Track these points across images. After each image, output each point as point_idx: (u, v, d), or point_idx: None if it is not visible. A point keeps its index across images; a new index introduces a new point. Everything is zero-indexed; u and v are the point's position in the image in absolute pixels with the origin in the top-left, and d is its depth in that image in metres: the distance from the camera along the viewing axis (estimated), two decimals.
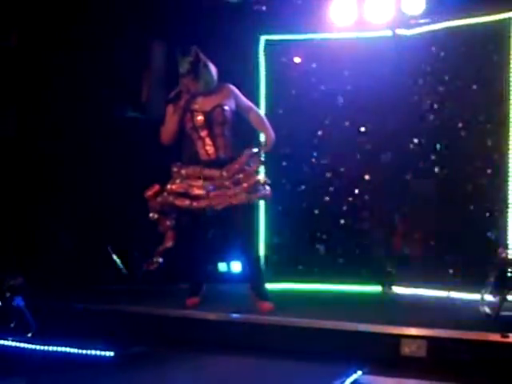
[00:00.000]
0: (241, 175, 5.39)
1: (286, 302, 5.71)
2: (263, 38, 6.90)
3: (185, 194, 5.39)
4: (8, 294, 5.37)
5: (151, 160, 6.50)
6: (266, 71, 6.92)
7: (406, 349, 4.65)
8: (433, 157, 6.38)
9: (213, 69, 5.47)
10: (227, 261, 6.92)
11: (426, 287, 6.23)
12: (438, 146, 6.36)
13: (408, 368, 4.52)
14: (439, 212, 6.32)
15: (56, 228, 6.89)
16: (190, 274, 5.74)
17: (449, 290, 6.09)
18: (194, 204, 5.35)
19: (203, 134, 5.42)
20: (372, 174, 6.66)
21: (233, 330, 5.14)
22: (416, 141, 6.46)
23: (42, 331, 5.20)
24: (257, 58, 6.91)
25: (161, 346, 5.03)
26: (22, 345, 4.98)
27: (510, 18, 6.03)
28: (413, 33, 6.50)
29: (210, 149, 5.43)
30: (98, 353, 4.76)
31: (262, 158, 5.53)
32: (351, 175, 6.72)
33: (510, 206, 5.89)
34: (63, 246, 6.82)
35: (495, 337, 4.49)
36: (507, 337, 4.44)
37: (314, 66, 6.85)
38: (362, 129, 6.69)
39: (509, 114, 5.98)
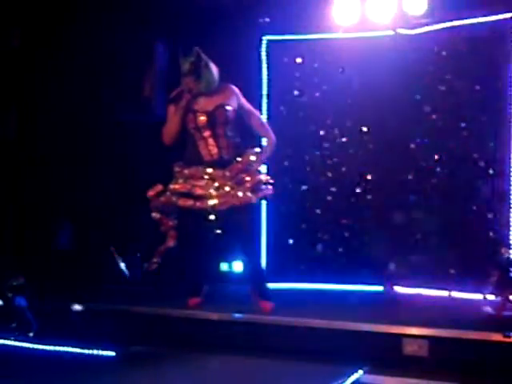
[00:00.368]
0: (243, 175, 5.40)
1: (287, 301, 5.71)
2: (265, 39, 6.90)
3: (188, 194, 5.39)
4: (10, 294, 5.38)
5: (153, 160, 6.50)
6: (267, 71, 6.91)
7: (408, 348, 4.65)
8: (435, 156, 6.37)
9: (214, 69, 5.47)
10: (229, 261, 6.92)
11: (428, 287, 6.22)
12: (439, 146, 6.35)
13: (410, 367, 4.52)
14: (441, 211, 6.31)
15: (57, 228, 6.89)
16: (191, 274, 5.73)
17: (450, 289, 6.08)
18: (198, 204, 5.35)
19: (206, 134, 5.42)
20: (374, 174, 6.65)
21: (234, 330, 5.14)
22: (418, 140, 6.45)
23: (43, 331, 5.21)
24: (259, 58, 6.90)
25: (162, 345, 5.03)
26: (24, 344, 4.99)
27: (511, 18, 6.02)
28: (415, 32, 6.48)
29: (213, 149, 5.42)
30: (100, 353, 4.77)
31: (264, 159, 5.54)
32: (353, 175, 6.72)
33: (511, 205, 5.88)
34: (64, 246, 6.83)
35: (497, 337, 4.48)
36: (509, 337, 4.43)
37: (315, 65, 6.84)
38: (364, 128, 6.68)
39: (510, 113, 5.96)
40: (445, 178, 6.32)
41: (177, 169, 5.49)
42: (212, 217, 5.46)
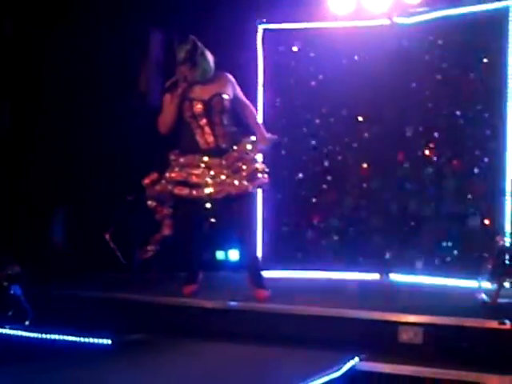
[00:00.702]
0: (240, 163, 5.39)
1: (283, 289, 5.71)
2: (261, 27, 6.88)
3: (184, 183, 5.38)
4: (5, 283, 5.37)
5: (148, 148, 6.50)
6: (263, 60, 6.90)
7: (404, 336, 4.66)
8: (431, 145, 6.38)
9: (210, 57, 5.45)
10: (225, 249, 6.93)
11: (424, 275, 6.24)
12: (435, 134, 6.36)
13: (405, 355, 4.53)
14: (437, 200, 6.32)
15: (52, 216, 6.89)
16: (187, 262, 5.73)
17: (446, 277, 6.09)
18: (194, 192, 5.35)
19: (202, 122, 5.41)
20: (369, 163, 6.66)
21: (230, 318, 5.14)
22: (414, 129, 6.45)
23: (40, 319, 5.20)
24: (255, 46, 6.88)
25: (158, 333, 5.03)
26: (20, 333, 4.99)
27: (508, 6, 6.01)
28: (411, 21, 6.48)
29: (210, 137, 5.41)
30: (96, 341, 4.77)
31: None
32: (349, 163, 6.72)
33: (507, 194, 5.88)
34: (60, 234, 6.82)
35: (492, 324, 4.49)
36: (504, 324, 4.44)
37: (312, 54, 6.84)
38: (360, 117, 6.68)
39: (506, 102, 5.97)
40: (440, 166, 6.33)
41: (172, 157, 5.48)
42: (208, 205, 5.46)
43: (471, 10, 6.18)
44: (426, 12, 6.39)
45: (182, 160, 5.42)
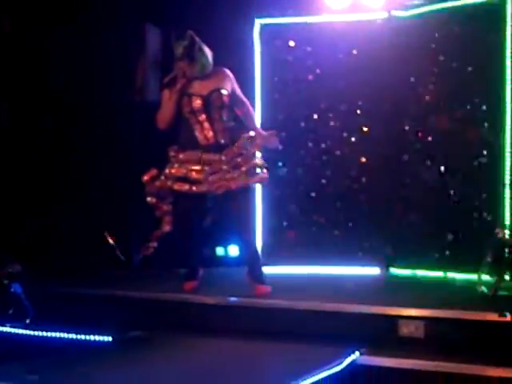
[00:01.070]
0: (239, 159, 5.39)
1: (283, 285, 5.71)
2: (258, 22, 6.86)
3: (184, 179, 5.38)
4: (6, 281, 5.37)
5: (147, 145, 6.49)
6: (260, 55, 6.88)
7: (404, 329, 4.67)
8: (429, 138, 6.37)
9: (208, 53, 5.45)
10: (225, 245, 6.93)
11: (424, 268, 6.24)
12: (434, 128, 6.34)
13: (406, 348, 4.54)
14: (436, 193, 6.31)
15: (52, 214, 6.89)
16: (187, 258, 5.73)
17: (446, 270, 6.09)
18: (194, 188, 5.35)
19: (201, 118, 5.41)
20: (368, 157, 6.65)
21: (230, 314, 5.15)
22: (412, 122, 6.44)
23: (40, 317, 5.20)
24: (252, 42, 6.87)
25: (159, 330, 5.03)
26: (20, 331, 4.99)
27: None
28: (408, 14, 6.47)
29: (209, 133, 5.41)
30: (96, 338, 4.77)
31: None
32: (348, 158, 6.71)
33: (506, 186, 5.88)
34: (60, 231, 6.82)
35: (492, 316, 4.50)
36: (505, 316, 4.45)
37: (309, 49, 6.81)
38: (358, 111, 6.67)
39: (504, 95, 5.95)
40: (439, 159, 6.32)
41: (172, 153, 5.48)
42: (208, 201, 5.46)
43: (468, 2, 6.15)
44: (424, 5, 6.37)
45: (181, 156, 5.42)
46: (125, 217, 6.60)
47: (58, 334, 4.85)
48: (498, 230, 5.41)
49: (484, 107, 6.11)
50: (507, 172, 5.89)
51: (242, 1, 6.80)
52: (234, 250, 6.89)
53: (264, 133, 5.55)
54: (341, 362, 4.23)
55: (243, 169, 5.38)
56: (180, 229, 5.52)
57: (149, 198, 5.48)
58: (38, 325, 5.01)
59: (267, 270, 5.78)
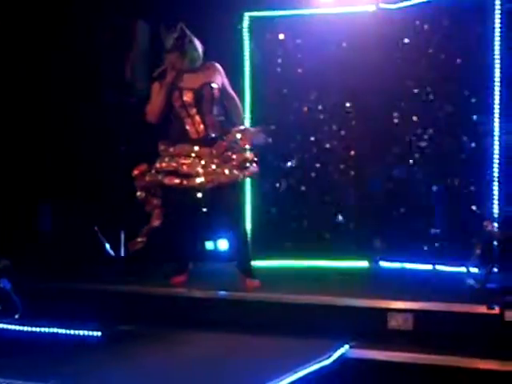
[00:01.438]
0: (230, 153, 5.39)
1: (272, 278, 5.72)
2: (247, 15, 6.85)
3: (174, 173, 5.36)
4: None
5: (136, 139, 6.47)
6: (250, 48, 6.86)
7: (393, 322, 4.68)
8: (418, 131, 6.37)
9: (199, 45, 5.44)
10: (214, 239, 6.92)
11: (412, 261, 6.25)
12: (422, 120, 6.35)
13: (395, 341, 4.55)
14: (425, 185, 6.32)
15: (41, 209, 6.87)
16: (177, 253, 5.72)
17: (435, 263, 6.11)
18: (184, 182, 5.34)
19: (192, 111, 5.39)
20: (357, 150, 6.65)
21: (220, 308, 5.15)
22: (401, 115, 6.45)
23: (29, 313, 5.19)
24: (241, 34, 6.85)
25: (148, 324, 5.03)
26: (9, 327, 4.98)
27: None
28: (396, 6, 6.46)
29: (200, 127, 5.40)
30: (86, 333, 4.76)
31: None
32: (337, 151, 6.71)
33: (494, 179, 5.89)
34: (46, 227, 6.81)
35: (481, 309, 4.52)
36: (493, 308, 4.47)
37: (298, 42, 6.80)
38: (348, 104, 6.67)
39: (493, 87, 5.96)
40: (428, 152, 6.32)
41: (162, 147, 5.46)
42: (199, 195, 5.45)
43: None
44: None
45: (171, 150, 5.41)
46: (114, 212, 6.58)
47: (47, 330, 4.85)
48: (486, 223, 5.41)
49: (473, 100, 6.11)
50: (495, 165, 5.90)
51: None
52: (223, 244, 6.88)
53: (252, 129, 5.55)
54: (330, 356, 4.23)
55: (234, 163, 5.38)
56: (171, 223, 5.51)
57: (139, 193, 5.47)
58: (28, 320, 5.00)
59: (256, 263, 5.79)
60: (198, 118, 5.40)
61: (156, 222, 5.56)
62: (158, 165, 5.40)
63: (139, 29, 6.98)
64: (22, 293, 5.33)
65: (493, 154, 5.92)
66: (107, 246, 6.35)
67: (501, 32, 5.92)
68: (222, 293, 5.26)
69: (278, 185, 6.78)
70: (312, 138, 6.78)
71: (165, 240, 5.71)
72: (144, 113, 5.47)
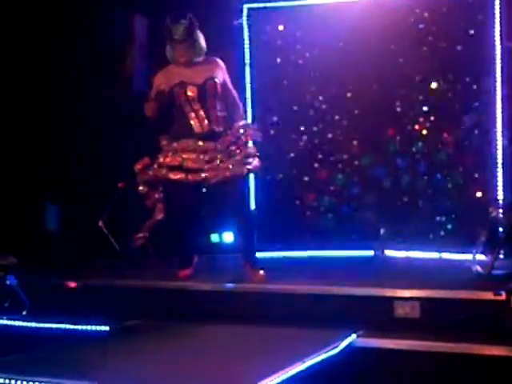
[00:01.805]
0: (234, 147, 5.39)
1: (278, 269, 5.73)
2: (246, 6, 6.83)
3: (179, 167, 5.36)
4: (1, 274, 5.36)
5: (136, 134, 6.48)
6: (250, 40, 6.85)
7: (400, 310, 4.68)
8: (420, 119, 6.37)
9: (202, 36, 5.43)
10: (219, 231, 6.92)
11: (418, 249, 6.26)
12: (424, 108, 6.35)
13: (402, 329, 4.55)
14: (429, 174, 6.32)
15: (46, 205, 6.88)
16: (182, 246, 5.73)
17: (440, 251, 6.11)
18: (189, 177, 5.34)
19: (196, 106, 5.38)
20: (360, 139, 6.65)
21: (226, 300, 5.15)
22: (403, 104, 6.44)
23: (36, 309, 5.20)
24: (240, 26, 6.83)
25: (155, 318, 5.04)
26: (17, 323, 4.99)
27: None
28: None
29: (204, 121, 5.39)
30: (93, 328, 4.77)
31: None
32: (339, 141, 6.71)
33: (498, 165, 5.89)
34: (53, 223, 6.81)
35: (488, 295, 4.51)
36: (500, 295, 4.46)
37: (298, 33, 6.79)
38: (349, 94, 6.66)
39: (494, 73, 5.95)
40: (431, 140, 6.32)
41: (164, 142, 5.46)
42: (203, 189, 5.46)
43: None
44: None
45: (175, 145, 5.40)
46: (119, 207, 6.58)
47: (55, 325, 4.86)
48: (491, 209, 5.41)
49: (474, 86, 6.11)
50: (499, 151, 5.90)
51: None
52: (228, 237, 6.88)
53: (252, 125, 5.58)
54: (338, 345, 4.24)
55: (238, 157, 5.39)
56: (175, 217, 5.51)
57: (141, 187, 5.48)
58: (35, 316, 5.01)
59: (262, 255, 5.79)
60: (202, 112, 5.39)
61: (159, 216, 5.58)
62: (161, 159, 5.40)
63: (137, 23, 6.99)
64: (28, 289, 5.34)
65: (495, 139, 5.91)
66: (112, 240, 6.36)
67: (501, 19, 5.90)
68: (229, 285, 5.26)
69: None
70: (314, 129, 6.78)
71: (169, 234, 5.71)
72: (142, 107, 5.46)
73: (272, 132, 6.80)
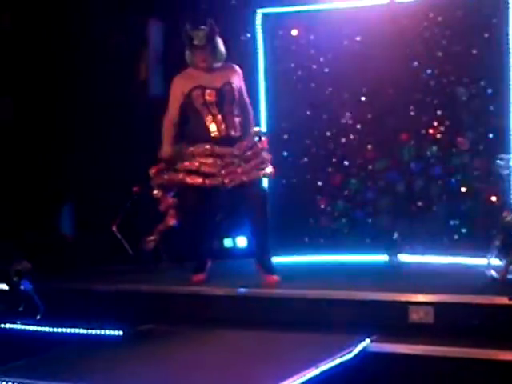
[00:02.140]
0: (250, 152, 5.41)
1: (292, 274, 5.72)
2: (260, 11, 6.84)
3: (196, 172, 5.37)
4: (15, 279, 5.39)
5: (151, 139, 6.48)
6: (263, 45, 6.85)
7: (414, 315, 4.67)
8: (435, 123, 6.35)
9: (222, 42, 5.45)
10: (233, 236, 6.92)
11: (432, 254, 6.23)
12: (439, 112, 6.33)
13: (416, 334, 4.53)
14: (443, 178, 6.30)
15: (61, 209, 6.90)
16: (196, 251, 5.73)
17: (454, 255, 6.08)
18: (207, 181, 5.35)
19: (214, 111, 5.39)
20: (374, 144, 6.62)
21: (240, 305, 5.16)
22: (417, 108, 6.41)
23: (51, 313, 5.22)
24: (254, 31, 6.84)
25: (169, 323, 5.04)
26: (31, 328, 5.01)
27: None
28: None
29: (222, 126, 5.40)
30: (107, 332, 4.78)
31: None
32: (353, 145, 6.69)
33: None
34: (67, 228, 6.84)
35: (502, 300, 4.50)
36: None
37: (311, 37, 6.79)
38: (363, 98, 6.65)
39: (509, 77, 5.93)
40: (445, 144, 6.30)
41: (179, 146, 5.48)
42: (219, 194, 5.47)
43: None
44: None
45: (191, 149, 5.41)
46: (133, 211, 6.60)
47: (68, 330, 4.87)
48: (505, 214, 5.37)
49: (489, 90, 6.09)
50: None
51: None
52: (242, 242, 6.88)
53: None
54: (352, 350, 4.23)
55: (253, 163, 5.41)
56: (191, 222, 5.52)
57: (155, 191, 5.50)
58: (49, 321, 5.03)
59: (276, 259, 5.79)
60: (219, 117, 5.40)
61: (171, 221, 5.58)
62: (179, 164, 5.42)
63: (152, 27, 7.01)
64: (43, 294, 5.36)
65: (510, 143, 5.88)
66: (126, 245, 6.37)
67: None
68: (242, 289, 5.26)
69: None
70: (328, 133, 6.76)
71: (182, 239, 5.72)
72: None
73: (285, 137, 6.79)
